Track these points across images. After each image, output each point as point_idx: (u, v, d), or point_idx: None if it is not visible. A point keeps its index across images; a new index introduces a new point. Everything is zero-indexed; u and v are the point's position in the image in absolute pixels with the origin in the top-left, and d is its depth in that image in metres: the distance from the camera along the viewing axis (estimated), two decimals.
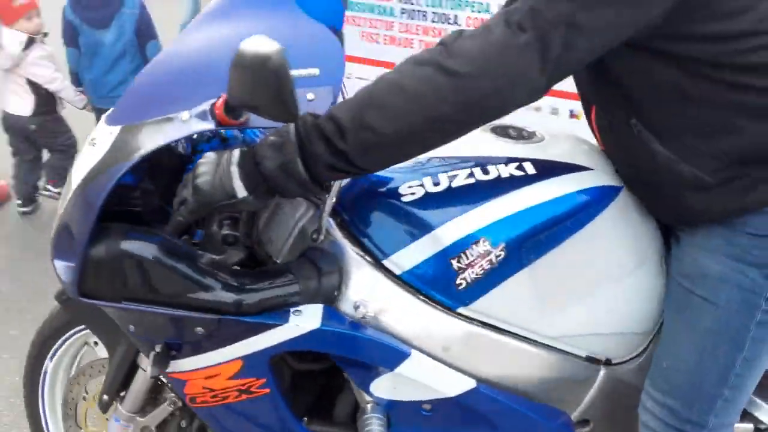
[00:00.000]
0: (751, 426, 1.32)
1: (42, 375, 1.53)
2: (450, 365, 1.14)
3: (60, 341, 1.50)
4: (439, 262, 1.11)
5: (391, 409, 1.17)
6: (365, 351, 1.12)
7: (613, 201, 1.18)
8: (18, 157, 3.32)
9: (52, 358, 1.52)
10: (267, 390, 1.15)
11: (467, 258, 1.10)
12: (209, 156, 0.99)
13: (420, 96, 0.91)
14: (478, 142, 1.24)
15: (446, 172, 1.15)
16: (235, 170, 0.94)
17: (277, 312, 1.10)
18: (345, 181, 1.17)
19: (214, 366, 1.14)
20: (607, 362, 1.24)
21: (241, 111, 0.97)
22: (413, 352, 1.12)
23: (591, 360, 1.23)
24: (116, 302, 1.08)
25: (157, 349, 1.14)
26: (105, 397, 1.39)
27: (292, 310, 1.10)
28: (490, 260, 1.11)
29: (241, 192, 0.94)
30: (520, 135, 1.27)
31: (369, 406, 1.17)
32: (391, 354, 1.11)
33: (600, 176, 1.19)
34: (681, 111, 1.05)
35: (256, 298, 1.09)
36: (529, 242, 1.13)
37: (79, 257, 1.04)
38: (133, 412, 1.37)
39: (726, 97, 1.02)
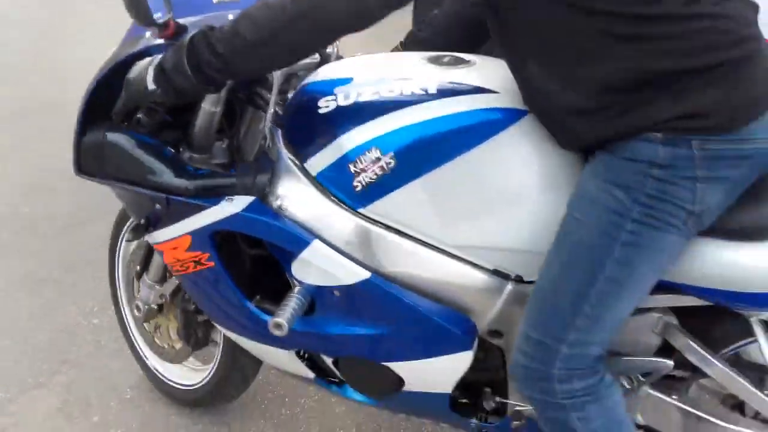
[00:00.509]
0: (671, 363, 1.29)
1: (117, 252, 1.96)
2: (350, 257, 1.30)
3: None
4: (340, 167, 1.27)
5: (313, 293, 1.37)
6: (276, 236, 1.34)
7: (514, 124, 1.23)
8: None
9: (122, 238, 1.94)
10: (212, 264, 1.42)
11: (361, 164, 1.25)
12: (145, 60, 1.27)
13: (280, 9, 1.09)
14: (408, 66, 1.36)
15: (358, 88, 1.30)
16: (150, 69, 1.20)
17: (214, 197, 1.36)
18: (290, 95, 1.41)
19: (174, 239, 1.43)
20: (518, 279, 1.30)
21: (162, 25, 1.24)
22: (314, 240, 1.30)
23: (499, 274, 1.29)
24: (102, 179, 1.42)
25: (135, 222, 1.48)
26: (137, 268, 1.78)
27: (226, 197, 1.35)
28: (382, 167, 1.24)
29: (150, 86, 1.20)
30: (454, 61, 1.36)
31: (296, 288, 1.38)
32: (296, 240, 1.31)
33: (504, 99, 1.24)
34: (558, 40, 1.10)
35: (198, 184, 1.36)
36: (421, 153, 1.24)
37: (74, 141, 1.40)
38: (154, 281, 1.74)
39: (594, 25, 1.06)
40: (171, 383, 1.96)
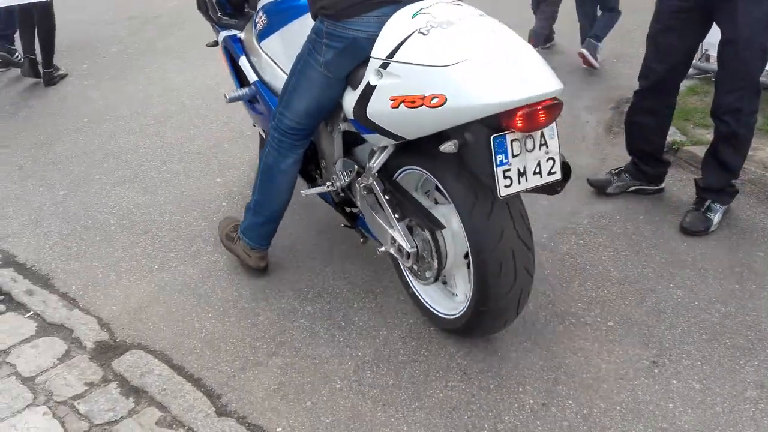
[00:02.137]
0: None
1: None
2: (253, 68, 2.68)
3: None
4: (255, 22, 2.60)
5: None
6: (232, 51, 2.81)
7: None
8: None
9: None
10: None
11: (258, 18, 2.56)
12: None
13: None
14: None
15: None
16: None
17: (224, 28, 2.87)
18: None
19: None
20: None
21: None
22: (242, 56, 2.73)
23: None
24: None
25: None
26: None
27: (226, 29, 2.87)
28: (263, 21, 2.53)
29: None
30: None
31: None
32: (237, 54, 2.77)
33: None
34: None
35: (222, 21, 2.83)
36: (275, 18, 2.48)
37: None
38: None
39: None
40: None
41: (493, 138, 1.77)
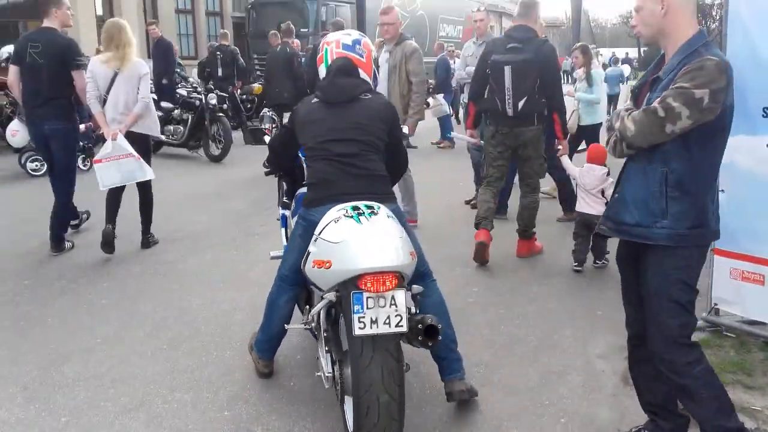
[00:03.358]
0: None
1: None
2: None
3: None
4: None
5: None
6: None
7: None
8: None
9: None
10: None
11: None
12: None
13: None
14: None
15: None
16: None
17: None
18: None
19: None
20: None
21: None
22: (282, 230, 3.84)
23: None
24: None
25: None
26: None
27: None
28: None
29: None
30: None
31: None
32: None
33: None
34: None
35: None
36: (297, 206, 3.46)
37: None
38: None
39: None
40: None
41: (353, 293, 2.58)
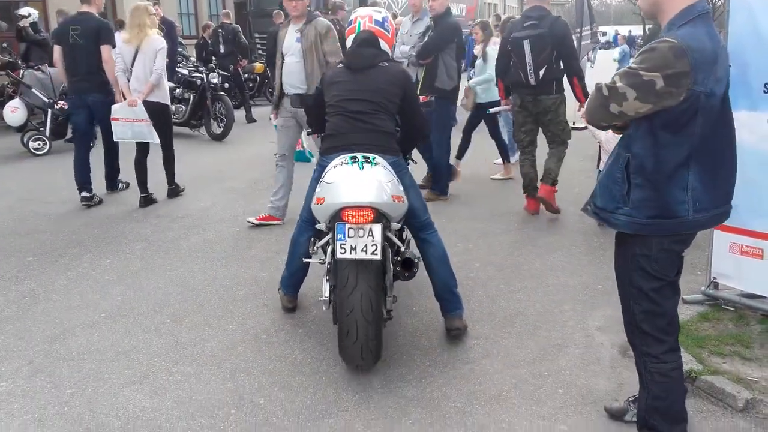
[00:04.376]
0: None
1: None
2: None
3: None
4: None
5: None
6: None
7: None
8: None
9: None
10: None
11: None
12: None
13: None
14: None
15: None
16: None
17: None
18: None
19: None
20: None
21: None
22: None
23: None
24: None
25: None
26: None
27: None
28: None
29: None
30: None
31: None
32: None
33: None
34: None
35: None
36: None
37: None
38: None
39: None
40: None
41: (337, 224, 3.10)
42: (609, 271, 4.60)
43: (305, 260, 3.66)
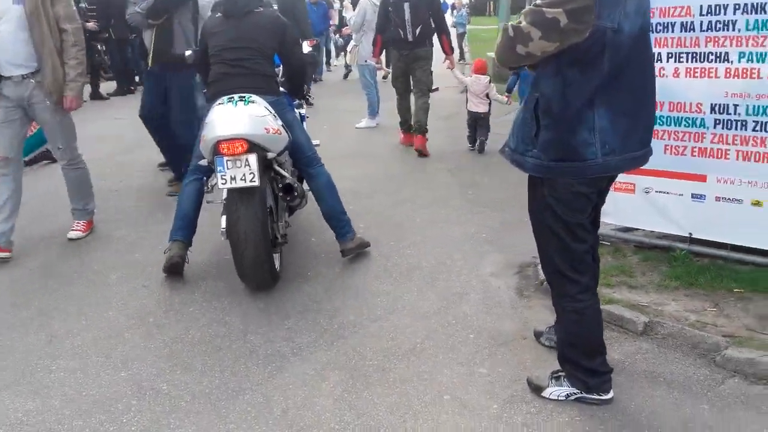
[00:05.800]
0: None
1: None
2: None
3: None
4: None
5: None
6: None
7: None
8: None
9: None
10: None
11: None
12: None
13: None
14: None
15: None
16: None
17: None
18: None
19: None
20: None
21: None
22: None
23: None
24: None
25: None
26: None
27: None
28: None
29: None
30: None
31: None
32: None
33: None
34: None
35: None
36: None
37: None
38: None
39: None
40: None
41: (215, 157, 3.35)
42: (488, 220, 4.79)
43: (207, 201, 3.91)
